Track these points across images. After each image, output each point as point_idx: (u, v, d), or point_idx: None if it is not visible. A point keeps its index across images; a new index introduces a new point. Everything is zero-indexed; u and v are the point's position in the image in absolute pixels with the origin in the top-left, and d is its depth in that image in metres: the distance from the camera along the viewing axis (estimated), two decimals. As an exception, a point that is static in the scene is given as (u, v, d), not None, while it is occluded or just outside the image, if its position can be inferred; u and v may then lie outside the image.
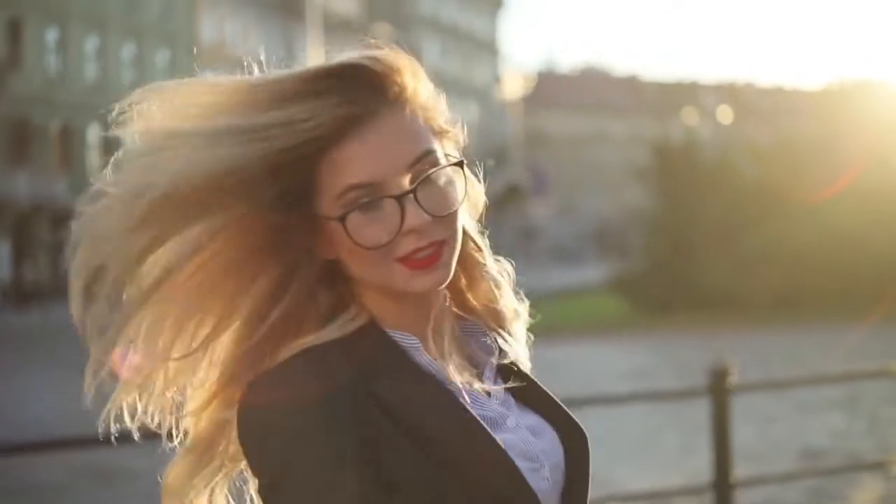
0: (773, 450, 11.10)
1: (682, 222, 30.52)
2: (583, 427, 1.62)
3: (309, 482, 1.42)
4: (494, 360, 1.62)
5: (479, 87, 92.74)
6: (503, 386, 1.61)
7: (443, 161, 1.54)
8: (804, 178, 27.77)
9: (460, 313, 1.65)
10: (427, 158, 1.52)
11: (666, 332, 25.45)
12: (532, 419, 1.59)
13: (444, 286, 1.55)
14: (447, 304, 1.61)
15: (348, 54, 1.55)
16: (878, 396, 13.26)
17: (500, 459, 1.47)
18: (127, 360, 1.51)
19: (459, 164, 1.56)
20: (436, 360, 1.55)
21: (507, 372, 1.63)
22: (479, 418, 1.50)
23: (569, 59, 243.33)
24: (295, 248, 1.53)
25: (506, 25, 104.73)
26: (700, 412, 7.44)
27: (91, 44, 51.16)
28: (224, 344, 1.55)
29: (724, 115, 71.61)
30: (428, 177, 1.51)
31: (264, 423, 1.45)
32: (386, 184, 1.49)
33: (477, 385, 1.57)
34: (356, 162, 1.49)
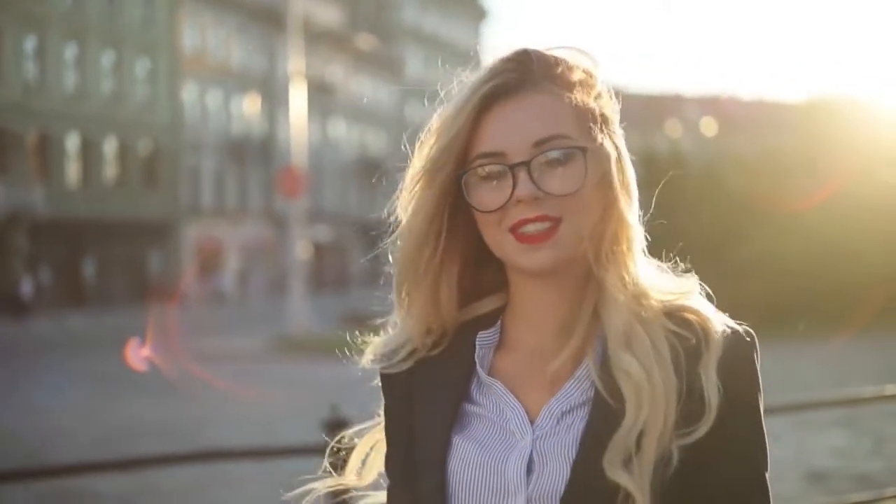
0: (776, 471, 10.61)
1: (668, 234, 30.13)
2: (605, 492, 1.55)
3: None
4: (578, 376, 1.64)
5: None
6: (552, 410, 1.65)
7: (575, 150, 1.60)
8: (789, 190, 27.51)
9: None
10: (556, 141, 1.60)
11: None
12: (556, 452, 1.60)
13: (560, 267, 1.62)
14: (585, 305, 1.66)
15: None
16: (880, 413, 12.82)
17: (433, 467, 1.66)
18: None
19: (582, 150, 1.60)
20: (507, 352, 1.71)
21: (599, 400, 1.60)
22: (449, 427, 1.66)
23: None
24: (457, 220, 1.68)
25: (489, 37, 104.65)
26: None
27: (70, 52, 50.57)
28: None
29: (708, 127, 71.54)
30: (548, 155, 1.59)
31: None
32: (508, 155, 1.61)
33: (533, 396, 1.65)
34: (489, 132, 1.63)
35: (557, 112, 1.62)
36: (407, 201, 1.70)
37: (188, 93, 58.02)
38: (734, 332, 1.63)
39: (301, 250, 35.65)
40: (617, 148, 1.66)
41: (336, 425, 4.62)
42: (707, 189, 30.95)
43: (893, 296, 23.78)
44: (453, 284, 1.71)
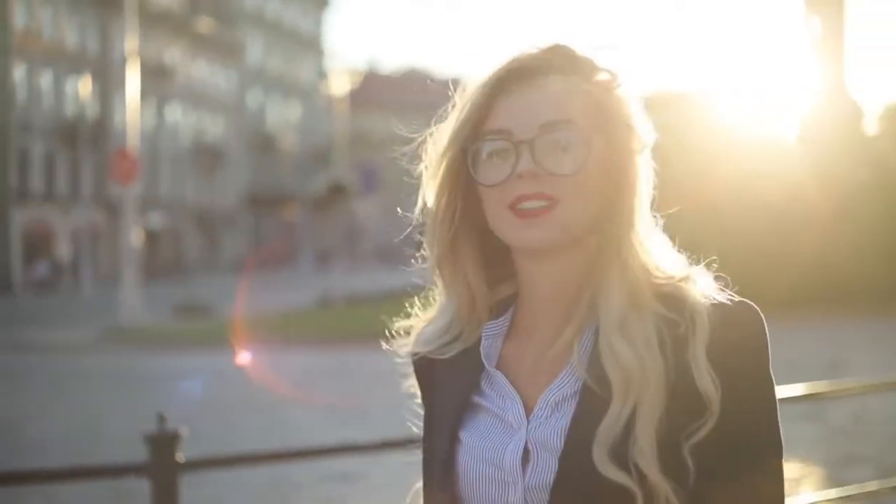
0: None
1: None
2: (594, 478, 1.58)
3: None
4: (570, 370, 1.67)
5: (304, 84, 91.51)
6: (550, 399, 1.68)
7: (581, 137, 1.66)
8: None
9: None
10: (562, 125, 1.66)
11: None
12: (548, 442, 1.64)
13: (557, 251, 1.68)
14: (584, 295, 1.69)
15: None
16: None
17: (444, 457, 1.73)
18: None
19: (586, 137, 1.66)
20: (511, 344, 1.76)
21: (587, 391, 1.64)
22: (458, 420, 1.73)
23: (392, 62, 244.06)
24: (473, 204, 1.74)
25: (330, 25, 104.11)
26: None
27: None
28: None
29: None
30: (552, 137, 1.65)
31: None
32: (515, 133, 1.66)
33: (534, 385, 1.70)
34: (500, 111, 1.69)
35: (569, 100, 1.67)
36: (431, 179, 1.75)
37: (18, 73, 56.03)
38: (728, 310, 1.62)
39: (134, 238, 34.58)
40: (627, 143, 1.70)
41: (162, 441, 4.01)
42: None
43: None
44: (476, 266, 1.77)
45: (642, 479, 1.55)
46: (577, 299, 1.69)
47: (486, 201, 1.69)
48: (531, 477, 1.64)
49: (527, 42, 1.74)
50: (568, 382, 1.66)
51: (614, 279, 1.65)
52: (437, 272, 1.78)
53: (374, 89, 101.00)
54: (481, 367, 1.74)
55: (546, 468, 1.63)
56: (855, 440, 10.40)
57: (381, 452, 4.23)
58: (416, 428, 1.89)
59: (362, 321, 25.55)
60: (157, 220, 66.24)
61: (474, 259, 1.76)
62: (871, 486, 5.94)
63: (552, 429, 1.64)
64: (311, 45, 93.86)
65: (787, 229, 25.01)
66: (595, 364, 1.62)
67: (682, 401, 1.57)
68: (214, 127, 78.14)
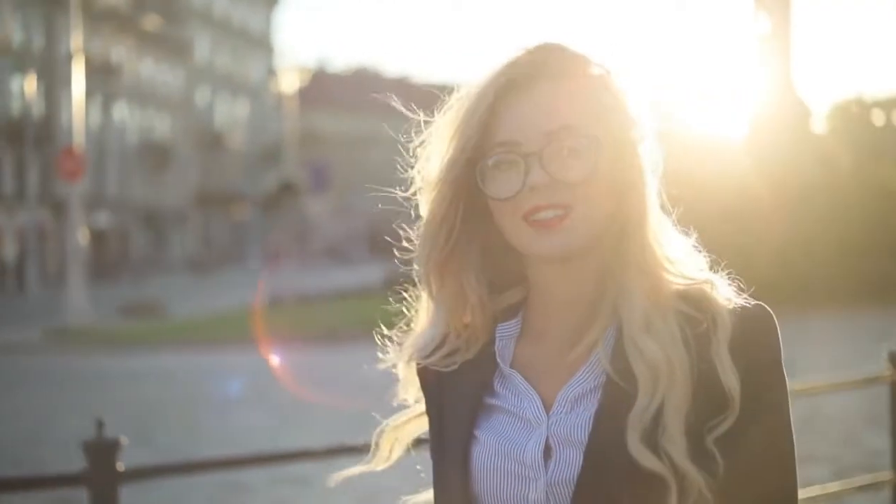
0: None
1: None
2: (624, 469, 1.60)
3: None
4: (590, 369, 1.68)
5: (253, 83, 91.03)
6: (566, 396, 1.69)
7: (586, 140, 1.66)
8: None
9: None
10: (567, 131, 1.66)
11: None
12: (570, 437, 1.65)
13: (574, 260, 1.68)
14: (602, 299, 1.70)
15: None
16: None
17: (457, 455, 1.72)
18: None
19: (593, 140, 1.66)
20: (525, 345, 1.75)
21: (611, 387, 1.65)
22: (471, 419, 1.72)
23: (342, 60, 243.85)
24: (478, 217, 1.75)
25: (280, 22, 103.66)
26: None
27: None
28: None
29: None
30: (560, 145, 1.65)
31: None
32: (523, 144, 1.67)
33: (551, 384, 1.70)
34: (504, 122, 1.69)
35: (571, 103, 1.68)
36: (429, 190, 1.74)
37: (-39, 70, 55.33)
38: (745, 311, 1.66)
39: (81, 237, 34.18)
40: (629, 137, 1.70)
41: (100, 449, 3.83)
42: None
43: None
44: (478, 275, 1.77)
45: (674, 469, 1.57)
46: (593, 300, 1.70)
47: (498, 213, 1.69)
48: (554, 472, 1.65)
49: (515, 46, 1.73)
50: (587, 379, 1.67)
51: (633, 278, 1.66)
52: (429, 280, 1.76)
53: (324, 87, 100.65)
54: (493, 370, 1.75)
55: (569, 462, 1.64)
56: (810, 440, 10.39)
57: (331, 458, 4.09)
58: (379, 422, 1.88)
59: (313, 321, 25.43)
60: (103, 219, 65.57)
61: (476, 266, 1.76)
62: (833, 486, 5.89)
63: (574, 423, 1.65)
64: (259, 42, 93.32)
65: (737, 229, 25.06)
66: (619, 359, 1.64)
67: (705, 397, 1.60)
68: (162, 125, 77.49)
